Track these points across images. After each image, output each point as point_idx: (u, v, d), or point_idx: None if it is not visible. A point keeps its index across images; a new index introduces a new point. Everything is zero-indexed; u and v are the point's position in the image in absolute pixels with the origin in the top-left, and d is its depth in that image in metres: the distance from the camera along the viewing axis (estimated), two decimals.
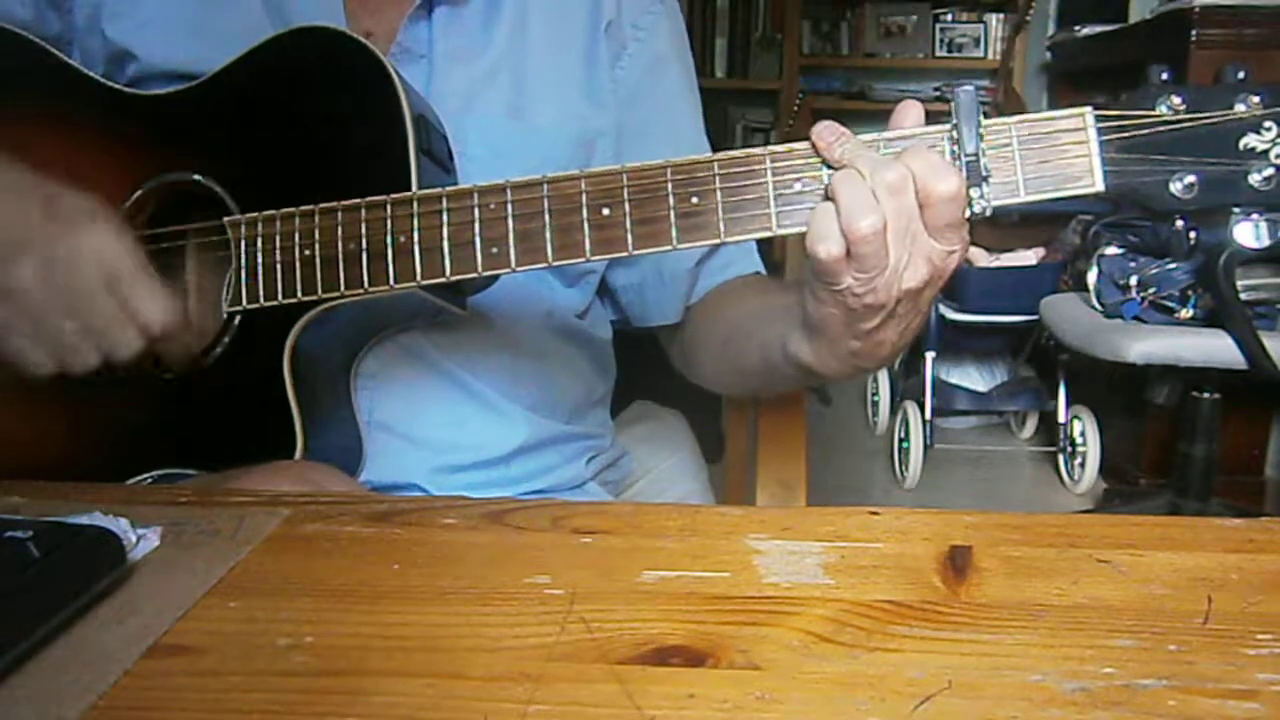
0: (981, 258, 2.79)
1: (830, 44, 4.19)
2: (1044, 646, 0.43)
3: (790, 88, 4.12)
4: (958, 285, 2.73)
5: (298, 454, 0.71)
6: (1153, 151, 0.58)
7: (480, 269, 0.65)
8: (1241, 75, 0.58)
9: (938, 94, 4.10)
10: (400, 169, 0.68)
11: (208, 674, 0.41)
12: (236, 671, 0.41)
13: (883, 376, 3.09)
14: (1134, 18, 2.98)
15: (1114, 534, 0.53)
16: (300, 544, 0.53)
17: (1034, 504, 2.68)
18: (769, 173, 0.61)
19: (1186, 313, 2.01)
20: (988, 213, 0.59)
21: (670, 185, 0.62)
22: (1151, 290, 2.04)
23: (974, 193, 0.58)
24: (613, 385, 0.97)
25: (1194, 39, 2.33)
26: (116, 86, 0.76)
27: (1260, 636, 0.43)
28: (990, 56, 4.01)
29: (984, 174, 0.58)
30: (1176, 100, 0.58)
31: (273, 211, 0.69)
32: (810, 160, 0.60)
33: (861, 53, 4.15)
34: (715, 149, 0.93)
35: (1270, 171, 0.58)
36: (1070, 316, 2.21)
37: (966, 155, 0.58)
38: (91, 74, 0.76)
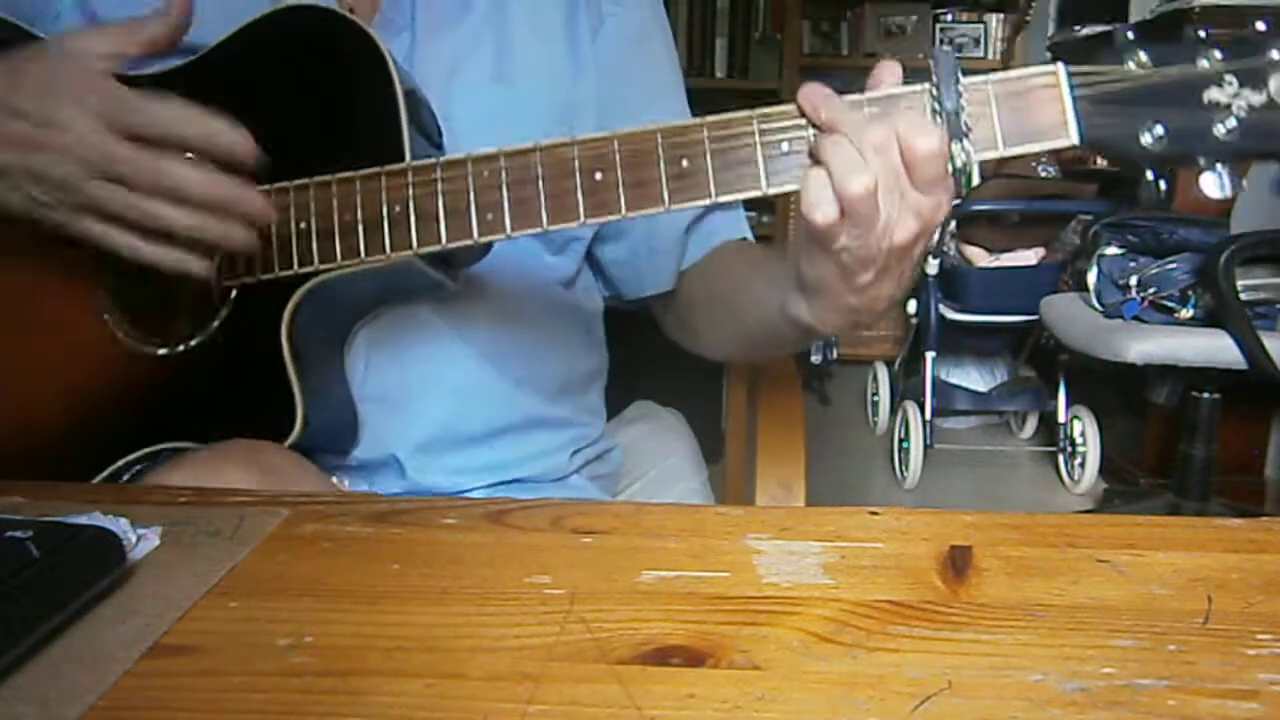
0: (981, 258, 2.79)
1: (830, 44, 4.19)
2: (1044, 646, 0.43)
3: (790, 88, 4.10)
4: (958, 285, 2.73)
5: (296, 428, 0.71)
6: (1123, 103, 0.61)
7: (476, 235, 0.66)
8: (1201, 34, 0.61)
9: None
10: (394, 144, 0.69)
11: (208, 674, 0.41)
12: (236, 671, 0.41)
13: (883, 376, 3.09)
14: (1134, 18, 2.98)
15: (1114, 534, 0.53)
16: (300, 544, 0.53)
17: (1034, 504, 2.68)
18: (757, 134, 0.62)
19: (1186, 313, 2.01)
20: (970, 167, 0.61)
21: (661, 149, 0.63)
22: (1151, 290, 2.04)
23: (955, 147, 0.60)
24: (604, 367, 0.97)
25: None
26: None
27: (1260, 636, 0.43)
28: (990, 56, 4.01)
29: (965, 129, 0.61)
30: (1143, 55, 0.60)
31: (267, 187, 0.69)
32: (797, 121, 0.62)
33: (861, 53, 4.15)
34: None
35: (1233, 123, 0.60)
36: (1070, 316, 2.21)
37: (947, 112, 0.60)
38: None
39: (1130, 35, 0.61)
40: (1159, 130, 0.61)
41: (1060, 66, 0.61)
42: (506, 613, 0.46)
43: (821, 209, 0.58)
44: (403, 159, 0.68)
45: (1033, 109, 0.61)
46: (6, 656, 0.40)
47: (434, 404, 0.81)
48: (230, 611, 0.46)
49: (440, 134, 0.74)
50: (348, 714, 0.38)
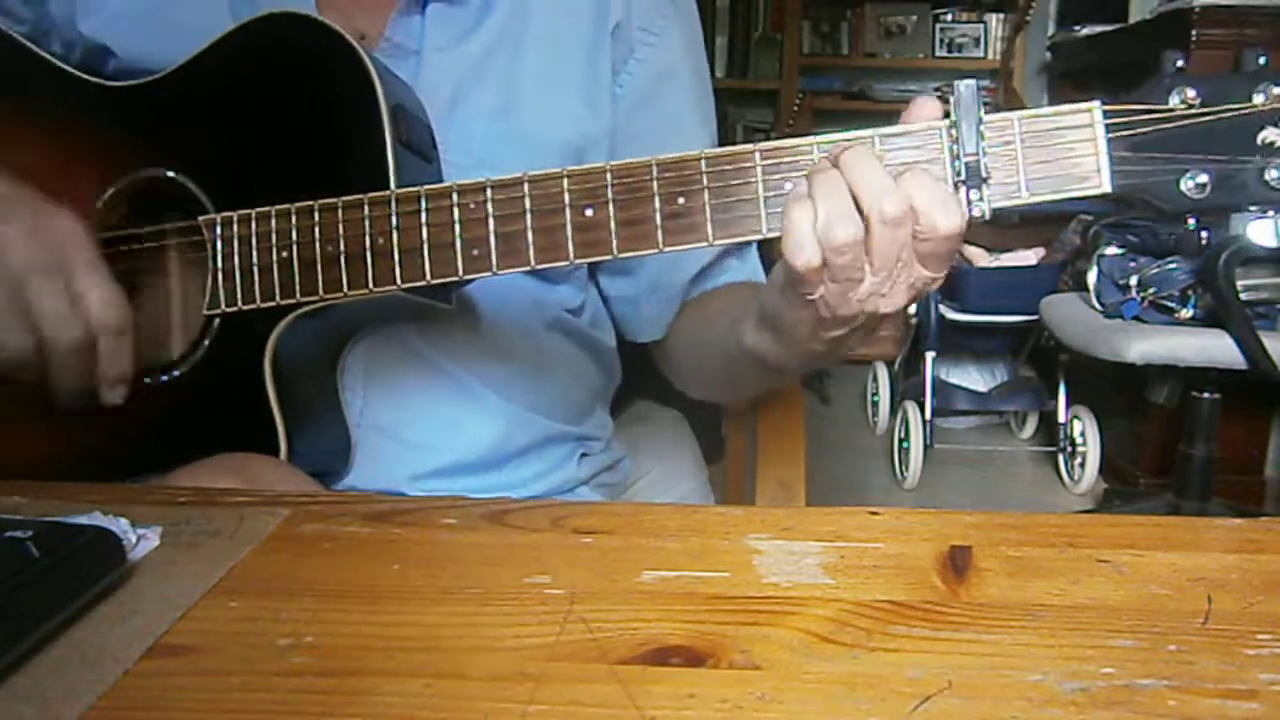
0: (981, 258, 2.79)
1: (830, 44, 4.19)
2: (1044, 646, 0.43)
3: (790, 88, 4.12)
4: (958, 285, 2.73)
5: (281, 457, 0.70)
6: (1164, 148, 0.55)
7: (461, 272, 0.64)
8: (1262, 61, 0.55)
9: (938, 94, 4.10)
10: (378, 162, 0.66)
11: (208, 674, 0.41)
12: (236, 671, 0.41)
13: (883, 376, 3.09)
14: (1134, 18, 2.98)
15: (1114, 534, 0.53)
16: (300, 544, 0.53)
17: (1034, 504, 2.68)
18: (759, 171, 0.58)
19: (1186, 313, 2.01)
20: (986, 216, 0.56)
21: (656, 185, 0.60)
22: (1151, 290, 2.04)
23: (973, 194, 0.55)
24: (615, 384, 0.96)
25: (1194, 39, 2.33)
26: (86, 77, 0.74)
27: (1260, 636, 0.43)
28: (990, 56, 4.01)
29: (984, 175, 0.56)
30: (1190, 93, 0.54)
31: (249, 211, 0.68)
32: (801, 158, 0.58)
33: (861, 53, 4.15)
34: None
35: None
36: (1070, 316, 2.21)
37: (966, 155, 0.55)
38: (61, 64, 0.75)
39: (1178, 65, 0.55)
40: (1202, 177, 0.55)
41: (1096, 106, 0.55)
42: (506, 613, 0.46)
43: (804, 254, 0.54)
44: (388, 180, 0.66)
45: (1062, 153, 0.55)
46: (6, 656, 0.40)
47: (438, 435, 0.80)
48: (230, 611, 0.46)
49: (435, 147, 0.72)
50: (348, 714, 0.38)
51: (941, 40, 4.10)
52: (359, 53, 0.67)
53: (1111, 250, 2.16)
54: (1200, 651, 0.42)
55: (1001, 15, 4.01)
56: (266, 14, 0.70)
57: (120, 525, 0.49)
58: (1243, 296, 1.88)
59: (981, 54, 4.04)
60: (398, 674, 0.41)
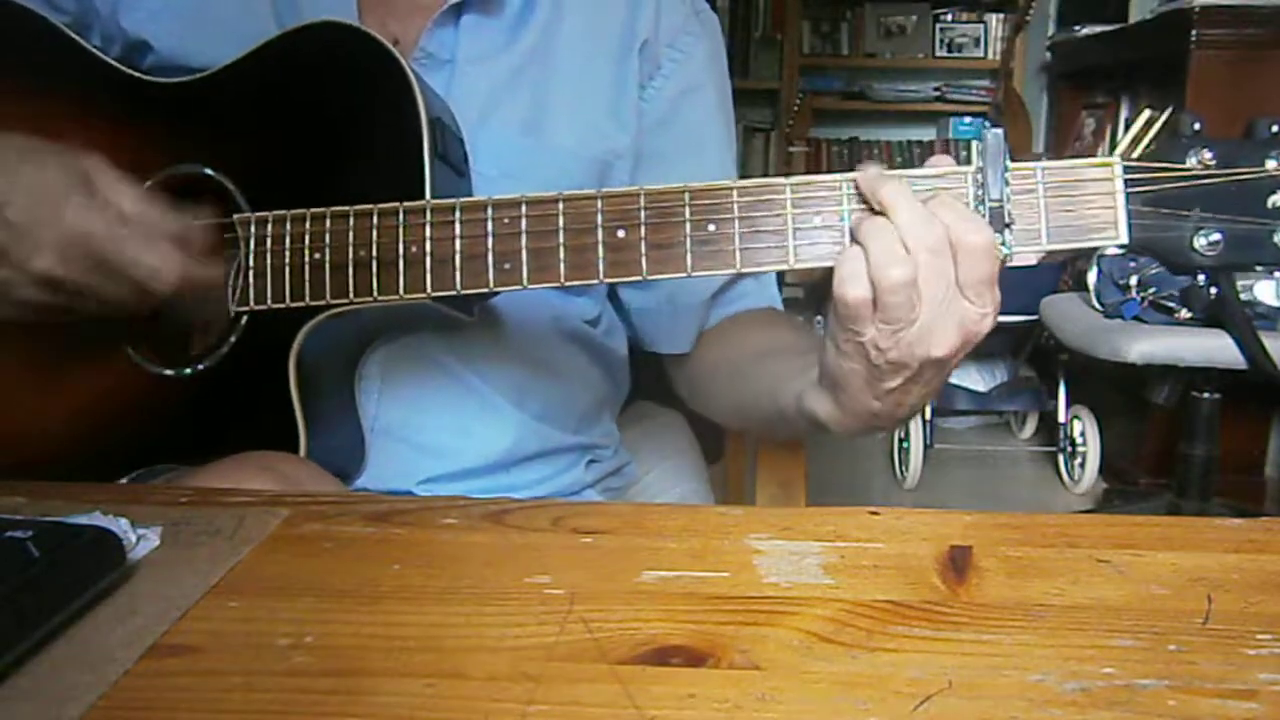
0: None
1: (830, 44, 4.19)
2: (1044, 646, 0.43)
3: (790, 88, 4.12)
4: None
5: (301, 455, 0.71)
6: (1178, 205, 0.58)
7: (492, 284, 0.65)
8: (1274, 129, 0.57)
9: (937, 94, 4.10)
10: (414, 173, 0.67)
11: (208, 674, 0.41)
12: (236, 671, 0.41)
13: None
14: (1134, 18, 2.98)
15: (1114, 534, 0.53)
16: (300, 544, 0.53)
17: (1034, 504, 2.68)
18: (789, 204, 0.60)
19: (1186, 313, 2.01)
20: (1009, 260, 0.58)
21: (688, 210, 0.61)
22: (1151, 290, 2.04)
23: (996, 238, 0.57)
24: (625, 396, 0.96)
25: (1194, 39, 2.33)
26: (129, 71, 0.75)
27: (1260, 636, 0.43)
28: (990, 56, 4.01)
29: (1007, 220, 0.58)
30: (1206, 154, 0.57)
31: (283, 212, 0.69)
32: (832, 193, 0.59)
33: (861, 53, 4.15)
34: None
35: None
36: (1070, 316, 2.21)
37: (991, 200, 0.57)
38: (104, 56, 0.75)
39: (1195, 127, 0.58)
40: (1214, 236, 0.57)
41: (1117, 162, 0.58)
42: (506, 613, 0.46)
43: (853, 286, 0.56)
44: (423, 190, 0.67)
45: (1082, 204, 0.58)
46: (7, 656, 0.40)
47: (448, 440, 0.80)
48: (230, 611, 0.46)
49: (467, 161, 0.73)
50: (348, 714, 0.38)
51: (941, 40, 4.10)
52: (404, 66, 0.68)
53: (1111, 250, 2.16)
54: (1200, 651, 0.42)
55: (1001, 15, 4.01)
56: (313, 22, 0.71)
57: (120, 525, 0.49)
58: (1243, 297, 1.88)
59: (981, 54, 4.04)
60: (398, 674, 0.41)
